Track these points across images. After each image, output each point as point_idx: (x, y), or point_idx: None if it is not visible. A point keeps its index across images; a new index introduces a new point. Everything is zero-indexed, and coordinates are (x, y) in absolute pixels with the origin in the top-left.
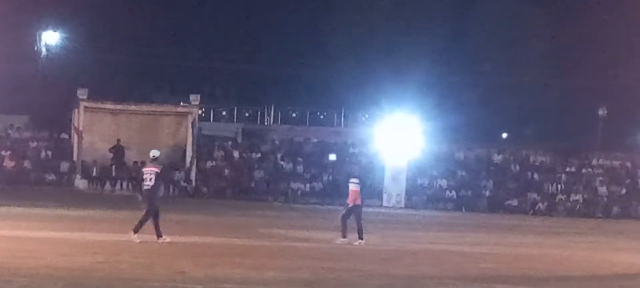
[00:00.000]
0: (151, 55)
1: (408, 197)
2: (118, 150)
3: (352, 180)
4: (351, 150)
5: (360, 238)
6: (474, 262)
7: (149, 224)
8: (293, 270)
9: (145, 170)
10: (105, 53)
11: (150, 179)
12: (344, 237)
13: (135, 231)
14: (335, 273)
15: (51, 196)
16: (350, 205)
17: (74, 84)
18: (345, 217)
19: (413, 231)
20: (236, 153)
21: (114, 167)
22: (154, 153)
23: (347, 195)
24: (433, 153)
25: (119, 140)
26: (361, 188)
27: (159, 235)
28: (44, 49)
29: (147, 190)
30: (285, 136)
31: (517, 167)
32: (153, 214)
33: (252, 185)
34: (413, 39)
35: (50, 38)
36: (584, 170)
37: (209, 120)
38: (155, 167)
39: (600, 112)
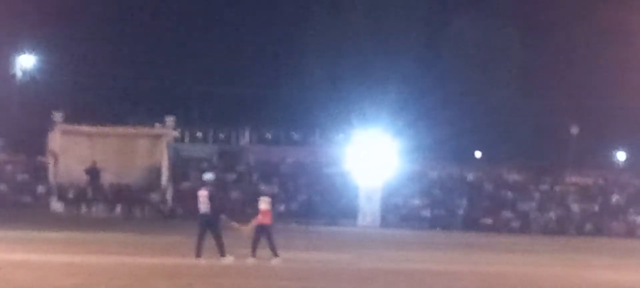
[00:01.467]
0: (127, 78)
1: (383, 216)
2: (94, 172)
3: (262, 198)
4: (326, 169)
5: (276, 255)
6: (448, 281)
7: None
8: None
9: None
10: (81, 76)
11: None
12: (253, 256)
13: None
14: None
15: (27, 218)
16: (258, 225)
17: (50, 106)
18: (256, 239)
19: (388, 250)
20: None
21: (90, 189)
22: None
23: (321, 214)
24: (407, 173)
25: (94, 162)
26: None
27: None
28: (20, 72)
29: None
30: (260, 157)
31: (491, 186)
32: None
33: (228, 206)
34: (387, 58)
35: (26, 61)
36: (557, 188)
37: (185, 141)
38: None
39: (573, 131)
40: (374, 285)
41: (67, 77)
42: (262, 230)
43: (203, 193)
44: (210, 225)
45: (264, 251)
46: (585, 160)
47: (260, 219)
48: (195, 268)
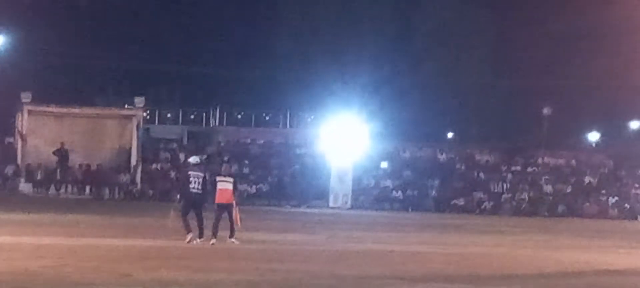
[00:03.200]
0: (95, 58)
1: (354, 198)
2: (62, 154)
3: (224, 179)
4: (297, 151)
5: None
6: (420, 262)
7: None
8: (239, 272)
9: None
10: (48, 56)
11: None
12: (212, 236)
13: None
14: (281, 274)
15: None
16: (220, 204)
17: (18, 87)
18: (217, 219)
19: (359, 231)
20: (182, 156)
21: (58, 170)
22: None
23: (292, 196)
24: (379, 154)
25: (62, 143)
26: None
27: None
28: None
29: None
30: (230, 138)
31: (463, 167)
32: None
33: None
34: (358, 40)
35: None
36: (529, 169)
37: (154, 122)
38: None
39: (545, 111)
40: (346, 266)
41: (35, 57)
42: (223, 209)
43: (197, 174)
44: (199, 206)
45: (240, 233)
46: (558, 141)
47: (225, 199)
48: (163, 250)
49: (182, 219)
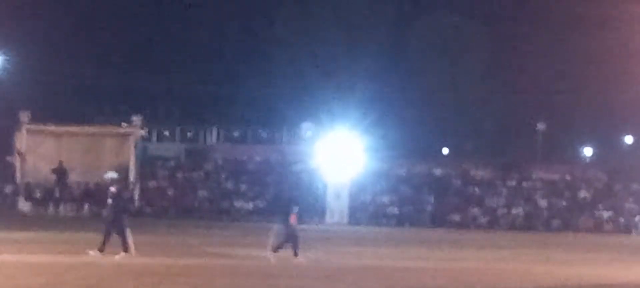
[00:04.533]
0: (93, 77)
1: (351, 214)
2: (61, 172)
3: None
4: (294, 168)
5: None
6: (417, 277)
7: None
8: None
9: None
10: (47, 75)
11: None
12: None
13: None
14: None
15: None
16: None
17: (16, 106)
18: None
19: (356, 247)
20: (179, 173)
21: (57, 188)
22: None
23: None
24: (375, 170)
25: (61, 161)
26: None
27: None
28: None
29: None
30: (228, 155)
31: (459, 182)
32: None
33: (196, 204)
34: (354, 56)
35: None
36: (524, 184)
37: (152, 140)
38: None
39: (539, 126)
40: (342, 283)
41: (33, 76)
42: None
43: (111, 191)
44: (114, 222)
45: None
46: (552, 156)
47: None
48: (162, 268)
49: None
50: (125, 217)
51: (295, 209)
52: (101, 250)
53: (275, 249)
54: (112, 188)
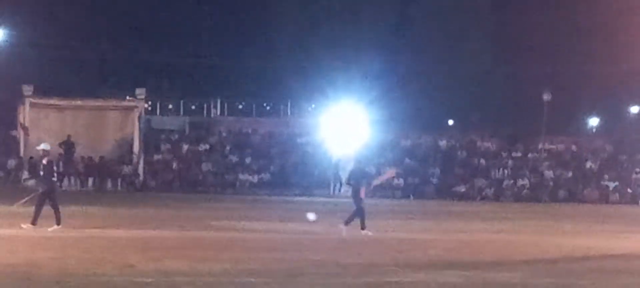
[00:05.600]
0: (96, 50)
1: None
2: (68, 146)
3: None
4: (298, 140)
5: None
6: (422, 249)
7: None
8: (242, 262)
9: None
10: (49, 49)
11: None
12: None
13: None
14: (284, 263)
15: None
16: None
17: (19, 80)
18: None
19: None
20: (184, 146)
21: (61, 162)
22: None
23: (294, 185)
24: (380, 142)
25: (69, 135)
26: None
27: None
28: None
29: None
30: (232, 128)
31: (464, 154)
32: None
33: (200, 177)
34: (358, 28)
35: None
36: (530, 155)
37: (156, 113)
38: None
39: (545, 97)
40: (349, 255)
41: (36, 50)
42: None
43: (43, 163)
44: (47, 194)
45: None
46: (558, 127)
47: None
48: (167, 241)
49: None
50: (56, 189)
51: (365, 183)
52: (59, 222)
53: (347, 222)
54: (44, 161)
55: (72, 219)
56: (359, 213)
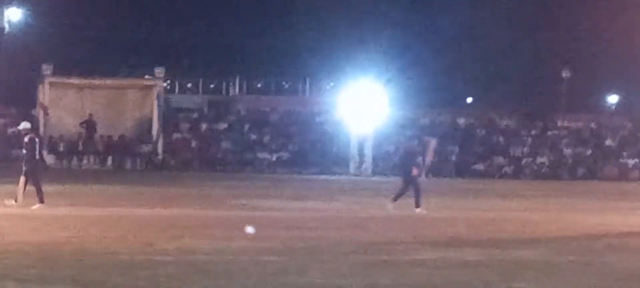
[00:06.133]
0: (115, 29)
1: (374, 164)
2: (89, 125)
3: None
4: (317, 118)
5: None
6: (442, 227)
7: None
8: (262, 240)
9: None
10: (69, 28)
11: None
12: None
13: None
14: (304, 241)
15: (18, 172)
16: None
17: (39, 59)
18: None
19: (380, 198)
20: (203, 125)
21: (81, 141)
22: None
23: (313, 163)
24: (398, 120)
25: (90, 114)
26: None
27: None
28: (7, 26)
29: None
30: (251, 106)
31: (483, 131)
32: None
33: (219, 156)
34: (377, 6)
35: (14, 14)
36: (549, 133)
37: (175, 92)
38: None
39: (564, 74)
40: (368, 232)
41: (55, 29)
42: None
43: (25, 141)
44: (29, 172)
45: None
46: (577, 104)
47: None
48: (186, 219)
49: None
50: (39, 167)
51: (417, 161)
52: (42, 200)
53: (395, 199)
54: (26, 139)
55: (92, 198)
56: (414, 191)
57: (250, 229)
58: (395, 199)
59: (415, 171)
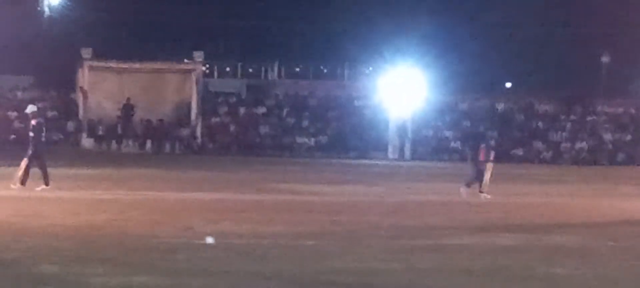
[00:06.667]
0: (154, 13)
1: (413, 149)
2: (127, 108)
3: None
4: (355, 103)
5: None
6: (480, 212)
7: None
8: (300, 224)
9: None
10: (108, 12)
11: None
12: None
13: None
14: (342, 225)
15: (58, 155)
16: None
17: (78, 43)
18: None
19: (418, 182)
20: (241, 109)
21: (120, 125)
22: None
23: (351, 148)
24: (437, 105)
25: (129, 98)
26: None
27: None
28: (47, 9)
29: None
30: (289, 91)
31: (522, 116)
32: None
33: (258, 140)
34: None
35: None
36: (588, 118)
37: (213, 76)
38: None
39: (604, 59)
40: (405, 217)
41: (95, 13)
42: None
43: (32, 124)
44: (35, 155)
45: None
46: (617, 89)
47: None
48: (225, 203)
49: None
50: (45, 150)
51: (485, 146)
52: (47, 183)
53: (468, 184)
54: (33, 122)
55: (132, 182)
56: (477, 177)
57: (209, 240)
58: (468, 185)
59: (482, 156)
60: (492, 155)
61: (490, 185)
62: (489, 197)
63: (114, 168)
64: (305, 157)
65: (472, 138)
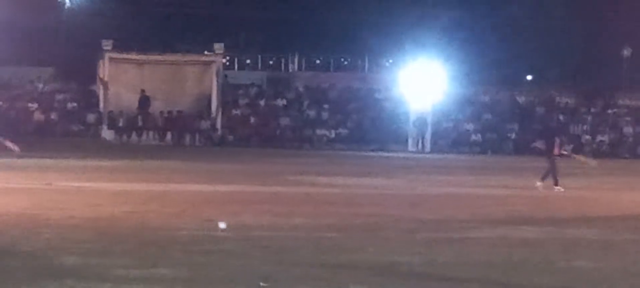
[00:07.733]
0: (175, 5)
1: (433, 141)
2: (142, 100)
3: None
4: (376, 95)
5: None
6: (501, 205)
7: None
8: (320, 216)
9: None
10: (129, 3)
11: None
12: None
13: None
14: (362, 218)
15: (78, 147)
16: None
17: (99, 35)
18: None
19: (439, 175)
20: (261, 101)
21: (139, 117)
22: None
23: (371, 140)
24: (458, 97)
25: (143, 90)
26: None
27: None
28: (68, 1)
29: None
30: (309, 83)
31: (543, 109)
32: None
33: (278, 132)
34: None
35: None
36: (609, 111)
37: (234, 68)
38: None
39: (625, 52)
40: (426, 210)
41: (115, 4)
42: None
43: None
44: None
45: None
46: (638, 83)
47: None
48: (245, 195)
49: None
50: None
51: (558, 140)
52: None
53: (543, 179)
54: None
55: (152, 173)
56: (551, 170)
57: (222, 225)
58: (543, 179)
59: (557, 149)
60: (566, 148)
61: (512, 178)
62: (562, 190)
63: (134, 160)
64: (325, 149)
65: (546, 131)
